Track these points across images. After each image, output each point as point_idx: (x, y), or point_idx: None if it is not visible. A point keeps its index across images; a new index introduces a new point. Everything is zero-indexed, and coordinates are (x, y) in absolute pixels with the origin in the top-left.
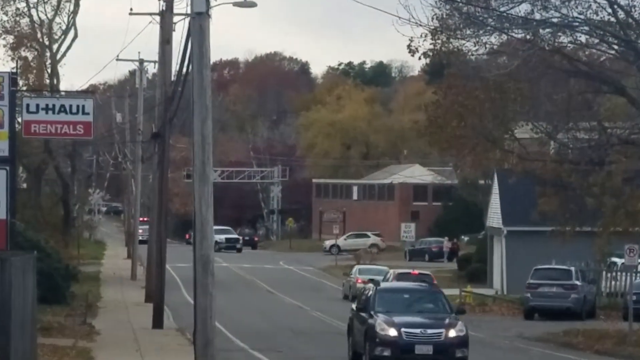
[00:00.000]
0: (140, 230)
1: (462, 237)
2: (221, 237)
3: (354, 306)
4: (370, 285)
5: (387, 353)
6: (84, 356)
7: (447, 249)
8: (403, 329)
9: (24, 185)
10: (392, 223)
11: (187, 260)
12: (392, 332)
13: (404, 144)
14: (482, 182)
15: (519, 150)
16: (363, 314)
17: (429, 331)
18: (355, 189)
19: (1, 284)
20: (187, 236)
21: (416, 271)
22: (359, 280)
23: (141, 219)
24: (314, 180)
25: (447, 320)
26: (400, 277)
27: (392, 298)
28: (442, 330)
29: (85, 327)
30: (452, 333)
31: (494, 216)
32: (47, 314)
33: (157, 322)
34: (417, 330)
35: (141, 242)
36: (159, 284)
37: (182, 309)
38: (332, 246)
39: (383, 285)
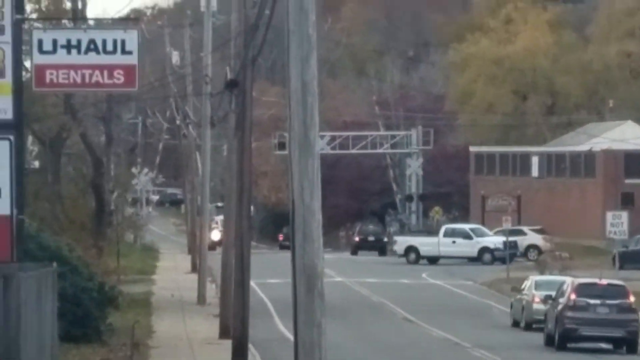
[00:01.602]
0: (214, 227)
1: None
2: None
3: None
4: None
5: None
6: None
7: None
8: None
9: (36, 164)
10: (593, 212)
11: (281, 274)
12: None
13: (609, 91)
14: None
15: None
16: None
17: None
18: (534, 160)
19: (5, 313)
20: (280, 237)
21: (604, 281)
22: (536, 299)
23: (218, 204)
24: (471, 149)
25: None
26: (581, 289)
27: None
28: None
29: None
30: None
31: None
32: (73, 358)
33: None
34: None
35: (213, 246)
36: (241, 310)
37: (275, 347)
38: None
39: None
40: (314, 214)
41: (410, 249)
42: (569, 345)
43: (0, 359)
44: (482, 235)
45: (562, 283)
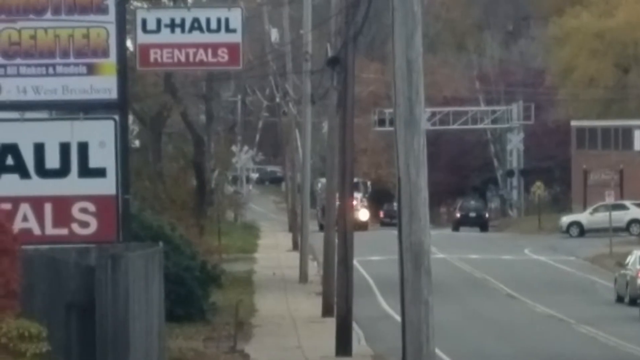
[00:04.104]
0: (362, 207)
1: None
2: None
3: None
4: None
5: None
6: None
7: None
8: None
9: (137, 143)
10: None
11: (383, 251)
12: None
13: None
14: None
15: None
16: None
17: None
18: (637, 134)
19: (113, 294)
20: (380, 214)
21: None
22: None
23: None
24: (573, 123)
25: None
26: None
27: None
28: None
29: (234, 356)
30: None
31: None
32: (176, 338)
33: (343, 347)
34: None
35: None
36: (344, 288)
37: (378, 325)
38: (571, 224)
39: None
40: (420, 191)
41: None
42: None
43: (109, 340)
44: None
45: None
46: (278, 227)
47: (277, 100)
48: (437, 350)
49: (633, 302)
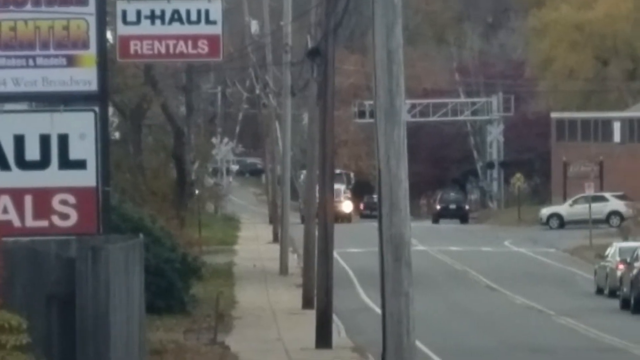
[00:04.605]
0: (345, 198)
1: None
2: None
3: None
4: None
5: None
6: None
7: None
8: None
9: (116, 135)
10: None
11: (362, 243)
12: None
13: None
14: None
15: None
16: None
17: None
18: (616, 126)
19: (94, 286)
20: (361, 206)
21: None
22: (620, 266)
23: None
24: (553, 115)
25: None
26: None
27: None
28: None
29: (215, 348)
30: None
31: None
32: (157, 330)
33: (323, 339)
34: None
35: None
36: (325, 281)
37: (359, 317)
38: (551, 216)
39: None
40: (400, 182)
41: None
42: None
43: (90, 332)
44: None
45: (637, 248)
46: (258, 219)
47: (257, 92)
48: (418, 343)
49: (613, 294)
